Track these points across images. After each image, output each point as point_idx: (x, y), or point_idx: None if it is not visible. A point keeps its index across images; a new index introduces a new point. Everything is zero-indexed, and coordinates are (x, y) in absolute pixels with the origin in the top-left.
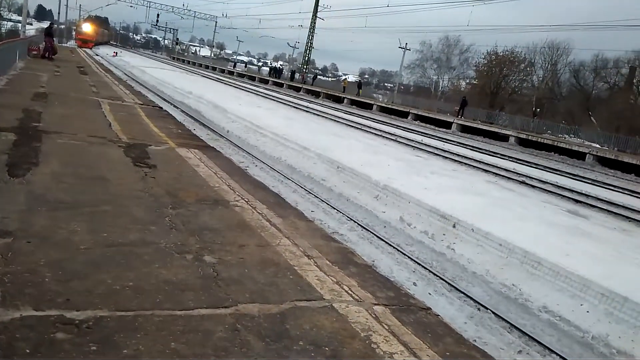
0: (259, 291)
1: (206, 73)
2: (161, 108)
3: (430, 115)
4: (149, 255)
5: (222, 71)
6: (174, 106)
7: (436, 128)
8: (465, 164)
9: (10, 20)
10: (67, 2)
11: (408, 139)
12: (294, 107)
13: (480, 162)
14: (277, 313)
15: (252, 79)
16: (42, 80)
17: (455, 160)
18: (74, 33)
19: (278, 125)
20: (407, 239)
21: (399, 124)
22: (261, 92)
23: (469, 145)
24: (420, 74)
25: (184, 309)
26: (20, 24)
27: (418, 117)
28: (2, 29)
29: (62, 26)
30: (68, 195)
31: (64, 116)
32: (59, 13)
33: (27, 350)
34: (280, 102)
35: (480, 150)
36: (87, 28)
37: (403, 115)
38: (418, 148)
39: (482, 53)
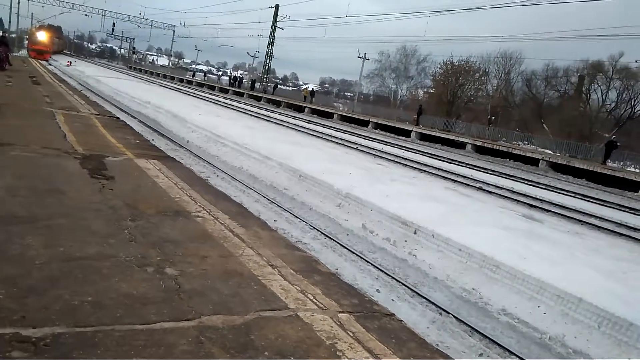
0: (223, 302)
1: (165, 83)
2: (118, 118)
3: (390, 124)
4: (108, 268)
5: (181, 80)
6: (132, 116)
7: (396, 136)
8: (425, 171)
9: None
10: (18, 10)
11: (369, 147)
12: (255, 116)
13: (439, 169)
14: (242, 324)
15: (212, 88)
16: None
17: (415, 168)
18: (26, 42)
19: (239, 134)
20: (370, 246)
21: (360, 133)
22: (221, 102)
23: (428, 153)
24: (379, 83)
25: (146, 323)
26: None
27: (378, 126)
28: None
29: (14, 35)
30: (22, 209)
31: (16, 127)
32: (9, 21)
33: None
34: (241, 111)
35: (439, 158)
36: (43, 37)
37: (363, 123)
38: (379, 156)
39: (439, 63)
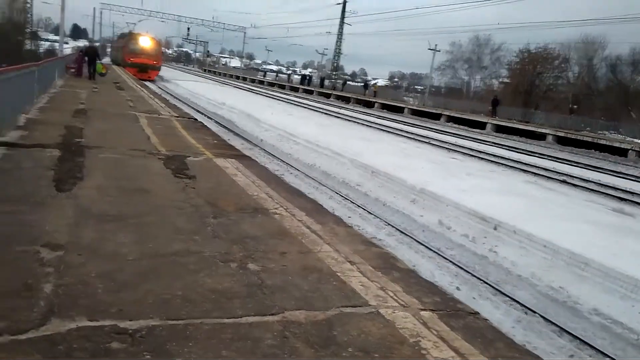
0: (304, 298)
1: (237, 83)
2: (196, 120)
3: (464, 116)
4: (194, 264)
5: (253, 81)
6: (208, 117)
7: (470, 129)
8: (502, 164)
9: (47, 40)
10: (101, 20)
11: (442, 141)
12: (325, 113)
13: (517, 162)
14: (324, 319)
15: (282, 87)
16: (82, 97)
17: (492, 161)
18: (109, 50)
19: (310, 132)
20: (447, 243)
21: (432, 126)
22: (292, 100)
23: (505, 145)
24: (451, 75)
25: (232, 317)
26: (57, 43)
27: (451, 119)
28: (40, 48)
29: (97, 44)
30: (113, 207)
31: (104, 131)
32: (93, 31)
33: None
34: (312, 109)
35: (517, 150)
36: (148, 44)
37: (435, 117)
38: (452, 150)
39: (514, 51)
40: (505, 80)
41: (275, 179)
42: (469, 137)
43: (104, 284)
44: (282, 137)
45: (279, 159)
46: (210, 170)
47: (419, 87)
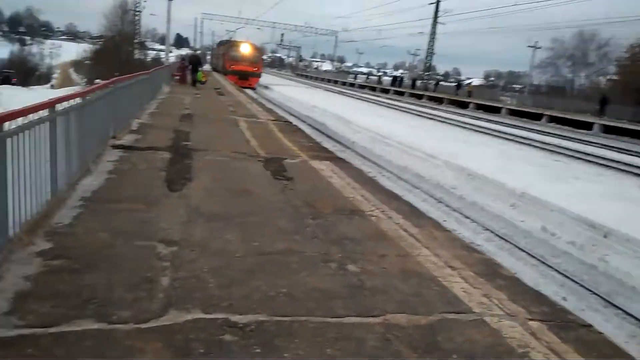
0: (405, 301)
1: (328, 87)
2: (291, 123)
3: (567, 116)
4: (297, 263)
5: (344, 84)
6: (301, 120)
7: (574, 129)
8: (613, 167)
9: (153, 49)
10: (202, 29)
11: (544, 143)
12: (417, 115)
13: (630, 165)
14: (427, 324)
15: (373, 89)
16: (186, 103)
17: (600, 164)
18: (208, 57)
19: (402, 134)
20: (552, 250)
21: (532, 127)
22: (383, 102)
23: (616, 147)
24: (552, 72)
25: (335, 317)
26: (162, 52)
27: (553, 119)
28: (148, 57)
29: (198, 52)
30: (219, 207)
31: (208, 134)
32: (194, 40)
33: (201, 350)
34: (403, 110)
35: (631, 153)
36: (248, 51)
37: (535, 117)
38: (556, 152)
39: (624, 46)
40: (614, 77)
41: (370, 181)
42: (574, 138)
43: (215, 278)
44: (374, 139)
45: (371, 160)
46: (307, 172)
47: (517, 85)
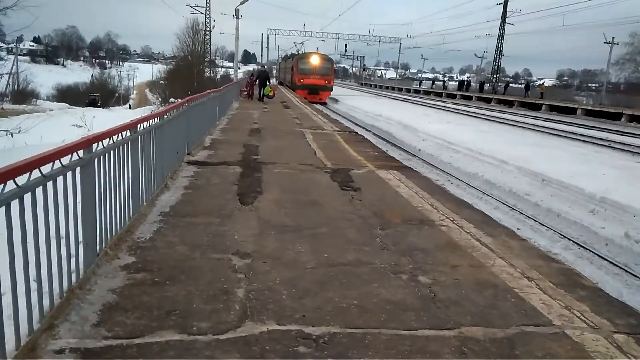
0: (481, 314)
1: (392, 94)
2: (356, 133)
3: None
4: (367, 274)
5: (408, 91)
6: (366, 130)
7: None
8: None
9: (222, 66)
10: (268, 44)
11: (624, 144)
12: (486, 119)
13: None
14: (504, 338)
15: (439, 95)
16: (254, 117)
17: None
18: (274, 71)
19: (470, 139)
20: (636, 258)
21: (611, 128)
22: (449, 108)
23: None
24: (632, 69)
25: (409, 329)
26: (231, 69)
27: (633, 118)
28: (218, 75)
29: (265, 66)
30: (290, 219)
31: (276, 148)
32: (261, 55)
33: None
34: (471, 115)
35: None
36: (318, 63)
37: (615, 117)
38: (638, 153)
39: None
40: None
41: (438, 190)
42: None
43: (288, 290)
44: (441, 145)
45: (438, 168)
46: (374, 182)
47: (593, 84)
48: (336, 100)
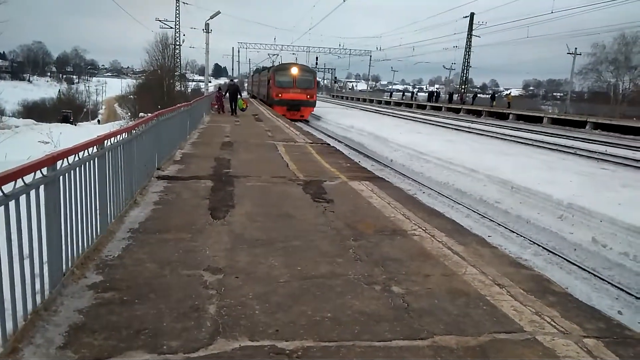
0: (454, 322)
1: (363, 106)
2: (328, 144)
3: (613, 122)
4: (340, 286)
5: (379, 102)
6: (338, 141)
7: (621, 136)
8: None
9: (193, 80)
10: (239, 58)
11: (589, 151)
12: (455, 129)
13: None
14: (477, 345)
15: (409, 106)
16: (226, 131)
17: None
18: (246, 84)
19: (440, 149)
20: (604, 262)
21: (576, 135)
22: (419, 118)
23: None
24: (594, 78)
25: (382, 340)
26: (202, 83)
27: (598, 126)
28: (188, 89)
29: (236, 80)
30: (262, 232)
31: (248, 161)
32: (232, 69)
33: None
34: (440, 125)
35: None
36: (299, 74)
37: (579, 125)
38: (602, 160)
39: None
40: None
41: (410, 200)
42: (621, 144)
43: (260, 305)
44: (412, 156)
45: (410, 178)
46: (346, 193)
47: (558, 93)
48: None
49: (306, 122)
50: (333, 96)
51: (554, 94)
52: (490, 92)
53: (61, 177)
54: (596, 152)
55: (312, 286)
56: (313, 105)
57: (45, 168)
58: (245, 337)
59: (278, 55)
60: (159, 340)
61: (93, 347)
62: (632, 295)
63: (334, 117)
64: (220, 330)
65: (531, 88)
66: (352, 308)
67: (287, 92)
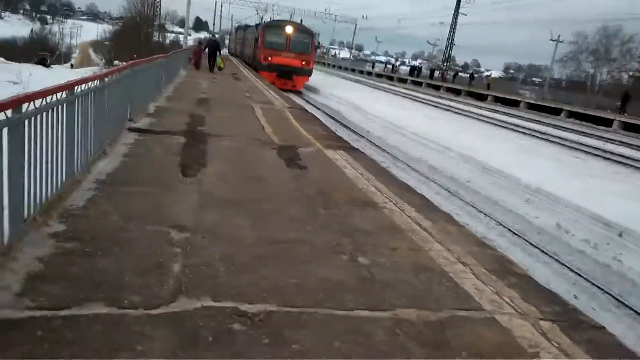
0: (416, 296)
1: (345, 74)
2: (306, 110)
3: (587, 112)
4: (307, 253)
5: (361, 72)
6: (317, 108)
7: (594, 126)
8: (632, 166)
9: (172, 32)
10: (221, 13)
11: (562, 139)
12: (434, 106)
13: None
14: (436, 320)
15: (390, 78)
16: (203, 87)
17: (619, 162)
18: (227, 42)
19: (417, 124)
20: (565, 248)
21: (551, 122)
22: (400, 92)
23: (635, 146)
24: (574, 67)
25: (344, 309)
26: (181, 35)
27: (572, 114)
28: (167, 40)
29: (217, 35)
30: (232, 193)
31: (223, 120)
32: (213, 24)
33: (210, 339)
34: (420, 101)
35: None
36: (292, 33)
37: (555, 112)
38: (574, 148)
39: None
40: (637, 73)
41: (383, 172)
42: (593, 134)
43: (225, 266)
44: (389, 129)
45: (385, 151)
46: (321, 161)
47: (537, 79)
48: None
49: (298, 93)
50: (315, 62)
51: (534, 79)
52: (471, 71)
53: (26, 121)
54: (569, 140)
55: (280, 251)
56: (308, 74)
57: (10, 110)
58: (208, 297)
59: (266, 11)
60: (119, 294)
61: (51, 297)
62: (589, 281)
63: (314, 84)
64: (182, 290)
65: (511, 71)
66: (317, 275)
67: (278, 56)
